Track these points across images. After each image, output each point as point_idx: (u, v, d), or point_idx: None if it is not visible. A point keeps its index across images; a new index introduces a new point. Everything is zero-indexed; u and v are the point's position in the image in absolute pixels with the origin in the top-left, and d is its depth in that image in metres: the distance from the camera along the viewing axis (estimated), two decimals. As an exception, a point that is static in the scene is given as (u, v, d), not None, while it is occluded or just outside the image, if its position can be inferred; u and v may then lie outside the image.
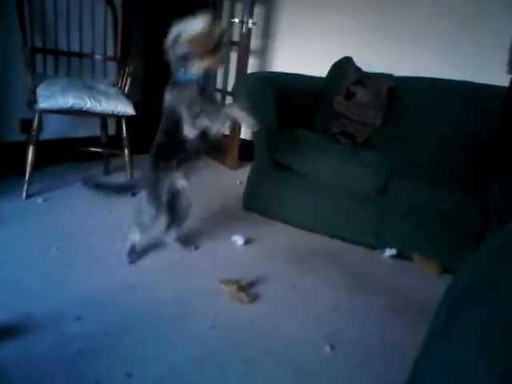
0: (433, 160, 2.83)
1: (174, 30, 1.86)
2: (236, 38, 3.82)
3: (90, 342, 1.62)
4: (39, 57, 2.92)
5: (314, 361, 1.69)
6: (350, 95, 3.09)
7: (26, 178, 2.66)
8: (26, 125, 3.02)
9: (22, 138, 3.04)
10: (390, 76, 3.15)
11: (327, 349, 1.75)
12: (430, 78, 3.07)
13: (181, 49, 1.85)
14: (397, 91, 3.10)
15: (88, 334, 1.66)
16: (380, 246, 2.59)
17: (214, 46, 1.88)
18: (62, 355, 1.55)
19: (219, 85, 4.26)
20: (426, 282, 2.33)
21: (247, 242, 2.53)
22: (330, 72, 3.26)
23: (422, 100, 3.03)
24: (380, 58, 3.33)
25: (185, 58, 1.87)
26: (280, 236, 2.68)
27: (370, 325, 1.96)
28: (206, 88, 1.96)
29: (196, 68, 1.90)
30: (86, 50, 3.13)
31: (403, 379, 0.74)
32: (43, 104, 2.58)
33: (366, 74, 3.18)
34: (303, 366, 1.67)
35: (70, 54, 3.08)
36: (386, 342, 1.85)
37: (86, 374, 1.48)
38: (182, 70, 1.91)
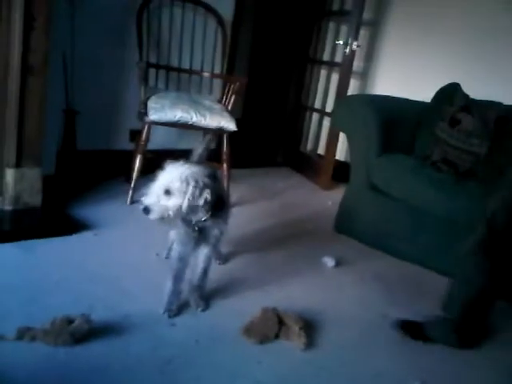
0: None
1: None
2: (339, 59, 3.82)
3: (182, 351, 1.68)
4: (152, 71, 3.10)
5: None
6: (454, 122, 2.97)
7: (132, 184, 2.82)
8: (134, 135, 3.21)
9: (130, 146, 3.23)
10: (499, 104, 3.00)
11: (417, 386, 1.69)
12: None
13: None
14: (507, 120, 2.94)
15: (180, 342, 1.72)
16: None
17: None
18: (154, 359, 1.61)
19: (317, 104, 4.29)
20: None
21: (337, 264, 2.51)
22: (435, 97, 3.16)
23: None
24: (489, 85, 3.19)
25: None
26: (372, 262, 2.62)
27: (464, 367, 1.86)
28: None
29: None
30: (196, 66, 3.29)
31: None
32: (153, 116, 2.73)
33: (474, 101, 3.05)
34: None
35: (180, 71, 3.25)
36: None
37: (176, 380, 1.54)
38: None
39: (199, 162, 1.91)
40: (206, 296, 1.99)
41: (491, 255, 1.82)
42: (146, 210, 1.64)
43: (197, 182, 1.64)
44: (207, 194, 1.65)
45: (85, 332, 1.61)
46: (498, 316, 2.13)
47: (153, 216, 1.65)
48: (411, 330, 1.96)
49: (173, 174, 1.66)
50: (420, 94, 3.22)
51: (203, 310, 1.93)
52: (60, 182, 2.85)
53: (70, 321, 1.62)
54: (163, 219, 1.66)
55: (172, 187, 1.63)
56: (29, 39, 2.28)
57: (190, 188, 1.63)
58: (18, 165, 2.41)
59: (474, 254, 1.85)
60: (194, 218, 1.73)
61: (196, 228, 1.78)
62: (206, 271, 1.94)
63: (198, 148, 2.05)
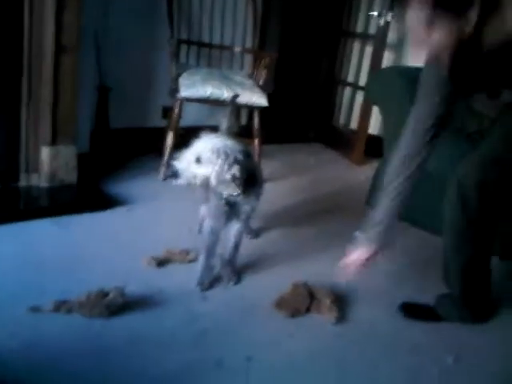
0: None
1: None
2: (372, 31, 3.73)
3: (214, 323, 1.70)
4: (183, 48, 3.10)
5: (435, 370, 1.63)
6: (494, 94, 2.88)
7: (164, 160, 2.84)
8: (166, 111, 3.23)
9: (163, 123, 3.25)
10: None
11: (450, 360, 1.68)
12: None
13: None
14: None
15: (213, 315, 1.75)
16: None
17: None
18: (187, 332, 1.65)
19: (351, 78, 4.20)
20: None
21: (370, 240, 2.48)
22: (473, 68, 3.06)
23: None
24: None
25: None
26: (404, 236, 2.56)
27: (496, 342, 1.84)
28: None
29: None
30: (226, 42, 3.27)
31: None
32: (184, 92, 2.73)
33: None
34: (423, 374, 1.62)
35: (211, 46, 3.24)
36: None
37: (209, 352, 1.56)
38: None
39: (229, 136, 1.91)
40: (238, 270, 2.01)
41: (471, 222, 1.79)
42: (175, 175, 1.67)
43: (227, 155, 1.64)
44: (236, 170, 1.65)
45: (119, 305, 1.65)
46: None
47: (181, 181, 1.68)
48: (413, 311, 1.92)
49: (206, 144, 1.68)
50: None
51: (235, 284, 1.95)
52: (94, 160, 2.89)
53: (105, 294, 1.65)
54: (190, 186, 1.69)
55: (203, 156, 1.65)
56: (61, 17, 2.30)
57: (220, 160, 1.64)
58: (53, 142, 2.45)
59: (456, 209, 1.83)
60: (225, 192, 1.74)
61: (227, 202, 1.79)
62: (237, 246, 1.96)
63: (223, 122, 2.06)
